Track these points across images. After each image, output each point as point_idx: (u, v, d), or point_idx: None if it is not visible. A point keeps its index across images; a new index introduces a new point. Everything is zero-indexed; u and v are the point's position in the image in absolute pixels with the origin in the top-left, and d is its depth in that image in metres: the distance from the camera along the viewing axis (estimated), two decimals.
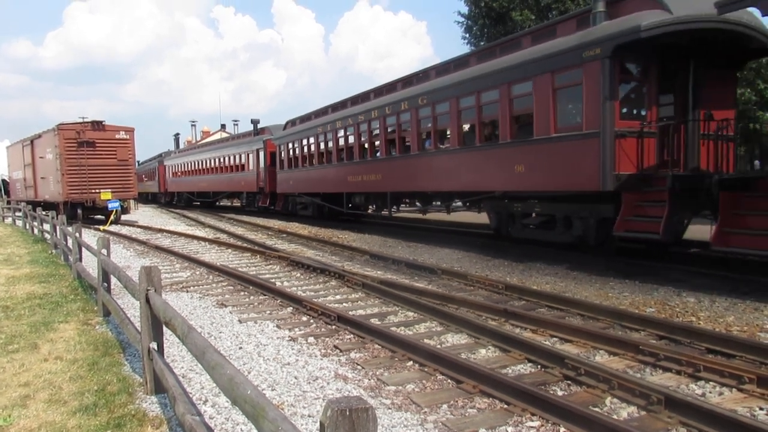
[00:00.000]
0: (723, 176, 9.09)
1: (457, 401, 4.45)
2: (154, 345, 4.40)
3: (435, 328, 6.65)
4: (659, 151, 9.76)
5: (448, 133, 13.62)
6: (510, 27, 24.57)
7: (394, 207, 17.54)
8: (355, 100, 18.37)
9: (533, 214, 11.98)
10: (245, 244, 15.22)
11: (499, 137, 11.85)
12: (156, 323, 4.36)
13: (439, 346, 5.80)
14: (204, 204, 36.71)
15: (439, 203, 16.09)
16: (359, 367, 5.30)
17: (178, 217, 28.96)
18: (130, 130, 24.22)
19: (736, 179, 8.97)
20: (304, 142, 21.91)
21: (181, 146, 54.22)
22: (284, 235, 17.67)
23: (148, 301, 4.32)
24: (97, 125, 23.39)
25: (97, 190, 23.04)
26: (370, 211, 19.85)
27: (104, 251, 7.19)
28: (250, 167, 27.77)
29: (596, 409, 4.14)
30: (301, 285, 9.50)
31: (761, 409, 4.22)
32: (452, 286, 9.04)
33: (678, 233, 9.57)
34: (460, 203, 15.19)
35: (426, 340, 5.98)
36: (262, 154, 26.50)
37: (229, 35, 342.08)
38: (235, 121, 65.60)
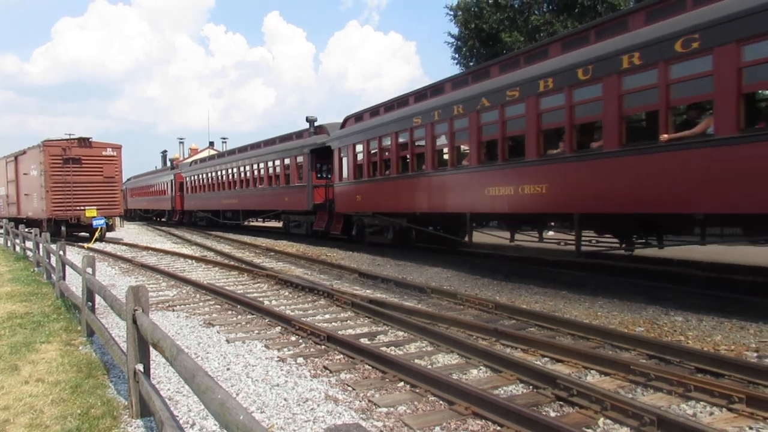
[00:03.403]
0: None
1: (450, 423, 4.40)
2: (140, 367, 4.31)
3: (425, 348, 6.60)
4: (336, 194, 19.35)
5: (264, 178, 24.88)
6: (499, 48, 24.85)
7: (250, 219, 29.88)
8: (230, 152, 30.92)
9: (296, 220, 23.13)
10: (232, 262, 15.09)
11: (280, 183, 23.34)
12: (143, 345, 4.28)
13: (430, 367, 5.74)
14: (151, 218, 47.81)
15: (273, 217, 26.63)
16: (350, 388, 5.23)
17: (164, 235, 28.69)
18: (117, 147, 24.03)
19: None
20: (201, 175, 33.07)
21: (168, 164, 54.78)
22: (272, 253, 17.55)
23: (135, 321, 4.23)
24: (84, 142, 23.17)
25: (82, 207, 22.75)
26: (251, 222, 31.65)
27: (89, 270, 7.05)
28: (168, 192, 39.46)
29: (589, 431, 4.11)
30: (289, 304, 9.41)
31: (751, 429, 4.22)
32: (442, 305, 9.01)
33: (330, 230, 20.11)
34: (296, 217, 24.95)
35: (417, 361, 5.92)
36: (173, 183, 38.21)
37: (219, 53, 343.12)
38: (224, 138, 64.94)
